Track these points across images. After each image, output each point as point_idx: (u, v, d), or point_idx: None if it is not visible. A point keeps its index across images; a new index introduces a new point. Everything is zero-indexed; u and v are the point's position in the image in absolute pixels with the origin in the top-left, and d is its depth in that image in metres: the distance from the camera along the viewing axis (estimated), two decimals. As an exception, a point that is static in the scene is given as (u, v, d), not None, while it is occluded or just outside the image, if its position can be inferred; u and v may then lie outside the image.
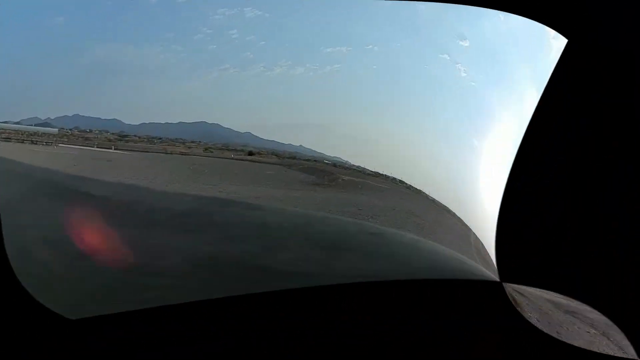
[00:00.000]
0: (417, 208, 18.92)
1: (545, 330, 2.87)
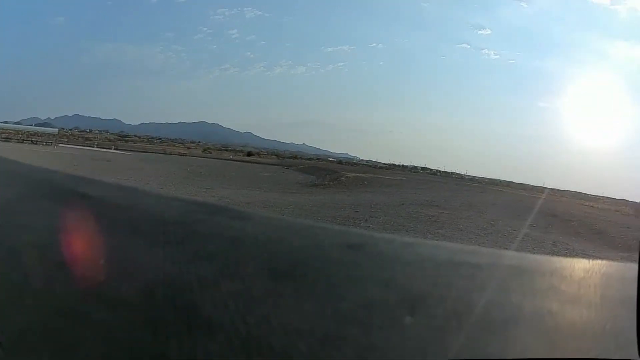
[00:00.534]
0: (439, 196, 18.75)
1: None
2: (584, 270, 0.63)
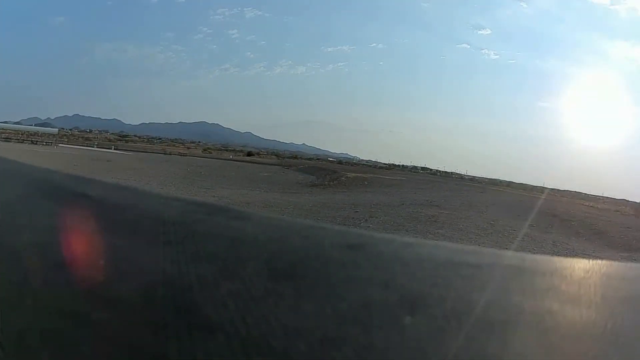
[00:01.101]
0: (439, 196, 18.88)
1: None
2: (584, 270, 0.63)
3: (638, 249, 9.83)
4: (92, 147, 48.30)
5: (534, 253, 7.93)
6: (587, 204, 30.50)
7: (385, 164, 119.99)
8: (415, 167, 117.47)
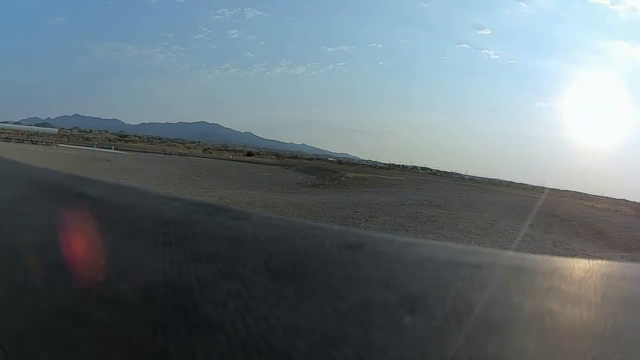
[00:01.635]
0: (439, 196, 18.89)
1: None
2: (584, 270, 0.63)
3: (638, 249, 9.83)
4: (92, 147, 48.32)
5: (534, 253, 7.93)
6: (587, 204, 30.50)
7: (386, 164, 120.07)
8: (415, 167, 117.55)
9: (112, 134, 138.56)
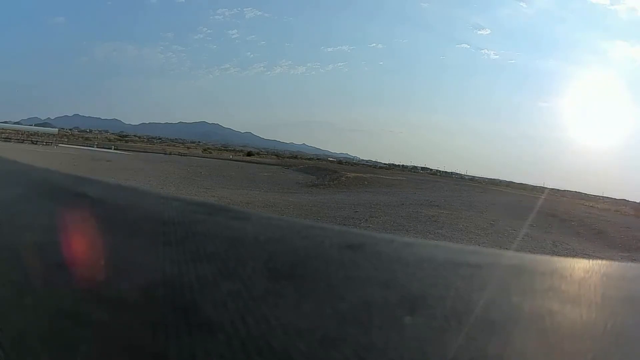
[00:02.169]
0: (439, 196, 18.91)
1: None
2: (584, 270, 0.63)
3: (638, 249, 9.83)
4: (92, 147, 48.32)
5: (534, 253, 7.93)
6: (587, 204, 30.49)
7: (386, 164, 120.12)
8: (415, 167, 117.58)
9: (112, 134, 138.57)
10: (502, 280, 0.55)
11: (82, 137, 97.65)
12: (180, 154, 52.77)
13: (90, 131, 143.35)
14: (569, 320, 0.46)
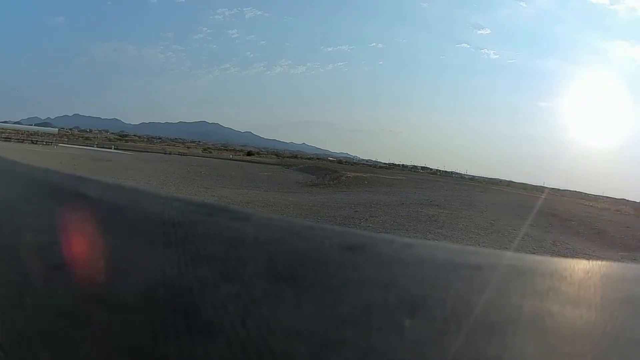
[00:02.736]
0: (439, 196, 18.91)
1: None
2: (584, 271, 0.63)
3: (638, 249, 9.83)
4: (92, 146, 48.32)
5: (534, 253, 7.92)
6: (587, 203, 30.48)
7: (386, 163, 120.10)
8: (415, 167, 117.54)
9: (112, 133, 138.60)
10: (502, 281, 0.55)
11: (82, 137, 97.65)
12: (180, 154, 52.77)
13: (91, 131, 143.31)
14: (569, 321, 0.46)
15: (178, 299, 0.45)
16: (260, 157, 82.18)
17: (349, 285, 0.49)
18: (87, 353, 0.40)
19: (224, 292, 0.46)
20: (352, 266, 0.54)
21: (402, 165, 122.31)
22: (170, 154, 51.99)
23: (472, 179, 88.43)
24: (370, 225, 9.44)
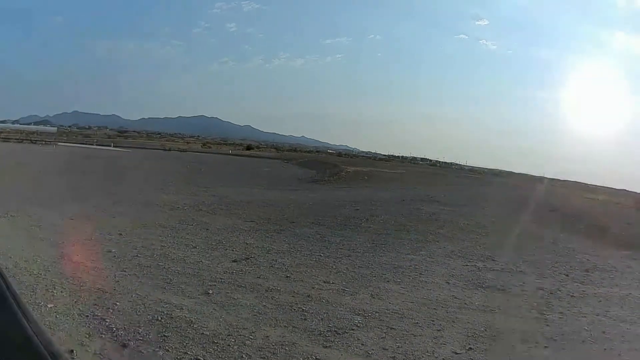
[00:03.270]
0: (440, 191, 18.83)
1: None
2: None
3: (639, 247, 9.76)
4: (92, 144, 48.33)
5: (533, 254, 7.88)
6: (587, 195, 30.46)
7: (385, 155, 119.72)
8: (415, 158, 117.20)
9: (111, 130, 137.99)
10: None
11: (81, 135, 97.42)
12: (179, 150, 52.67)
13: (90, 128, 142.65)
14: None
15: None
16: (260, 151, 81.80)
17: None
18: None
19: None
20: None
21: (402, 156, 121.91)
22: (170, 150, 51.88)
23: (472, 169, 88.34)
24: (372, 225, 9.43)
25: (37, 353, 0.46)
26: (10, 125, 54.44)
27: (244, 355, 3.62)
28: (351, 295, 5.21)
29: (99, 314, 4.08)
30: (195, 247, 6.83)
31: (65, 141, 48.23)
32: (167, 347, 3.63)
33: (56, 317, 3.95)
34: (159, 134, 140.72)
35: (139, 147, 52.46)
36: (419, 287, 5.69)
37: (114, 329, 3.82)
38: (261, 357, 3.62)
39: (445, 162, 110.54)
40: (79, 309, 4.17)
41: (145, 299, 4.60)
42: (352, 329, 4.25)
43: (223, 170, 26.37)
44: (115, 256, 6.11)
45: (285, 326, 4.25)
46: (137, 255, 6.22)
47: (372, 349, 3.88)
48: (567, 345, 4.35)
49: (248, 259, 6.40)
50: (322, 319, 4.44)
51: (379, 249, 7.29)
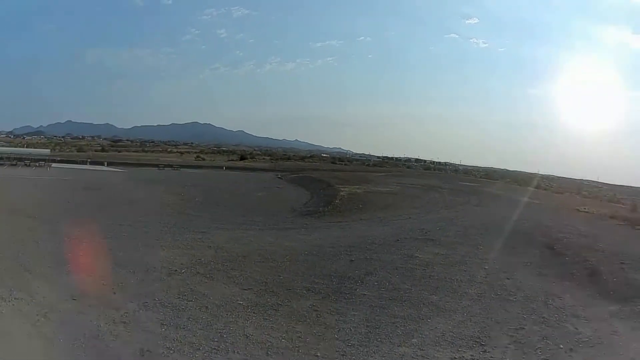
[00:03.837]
0: (435, 220, 18.76)
1: None
2: None
3: (630, 299, 9.73)
4: (85, 164, 48.23)
5: (523, 327, 7.87)
6: (583, 205, 30.64)
7: (379, 157, 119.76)
8: (409, 159, 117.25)
9: (105, 139, 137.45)
10: None
11: (74, 146, 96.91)
12: (173, 168, 52.70)
13: (83, 137, 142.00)
14: None
15: None
16: (254, 160, 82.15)
17: None
18: None
19: None
20: None
21: (396, 158, 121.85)
22: (163, 168, 51.87)
23: (466, 171, 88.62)
24: (366, 292, 9.45)
25: None
26: (2, 148, 54.21)
27: None
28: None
29: None
30: (199, 349, 6.69)
31: (59, 158, 48.17)
32: None
33: None
34: (153, 141, 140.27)
35: (132, 164, 52.40)
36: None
37: None
38: None
39: (439, 163, 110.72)
40: None
41: None
42: None
43: (218, 199, 26.38)
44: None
45: None
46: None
47: None
48: None
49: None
50: None
51: (372, 337, 7.26)
